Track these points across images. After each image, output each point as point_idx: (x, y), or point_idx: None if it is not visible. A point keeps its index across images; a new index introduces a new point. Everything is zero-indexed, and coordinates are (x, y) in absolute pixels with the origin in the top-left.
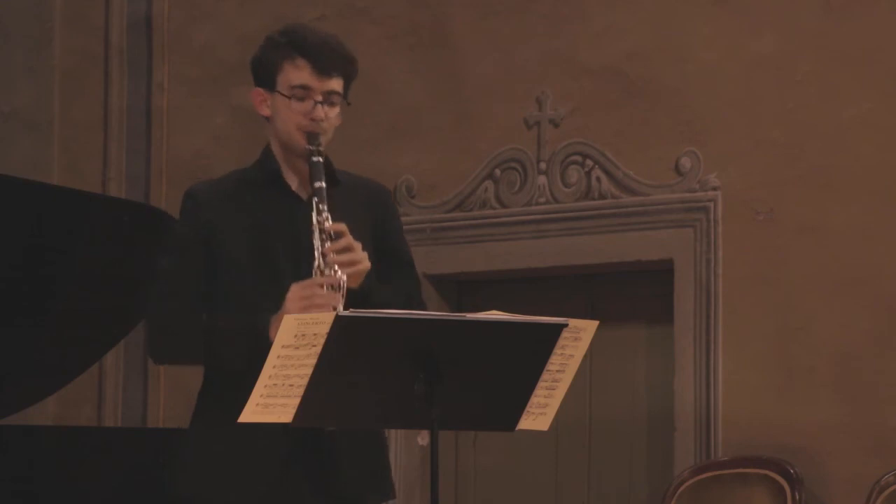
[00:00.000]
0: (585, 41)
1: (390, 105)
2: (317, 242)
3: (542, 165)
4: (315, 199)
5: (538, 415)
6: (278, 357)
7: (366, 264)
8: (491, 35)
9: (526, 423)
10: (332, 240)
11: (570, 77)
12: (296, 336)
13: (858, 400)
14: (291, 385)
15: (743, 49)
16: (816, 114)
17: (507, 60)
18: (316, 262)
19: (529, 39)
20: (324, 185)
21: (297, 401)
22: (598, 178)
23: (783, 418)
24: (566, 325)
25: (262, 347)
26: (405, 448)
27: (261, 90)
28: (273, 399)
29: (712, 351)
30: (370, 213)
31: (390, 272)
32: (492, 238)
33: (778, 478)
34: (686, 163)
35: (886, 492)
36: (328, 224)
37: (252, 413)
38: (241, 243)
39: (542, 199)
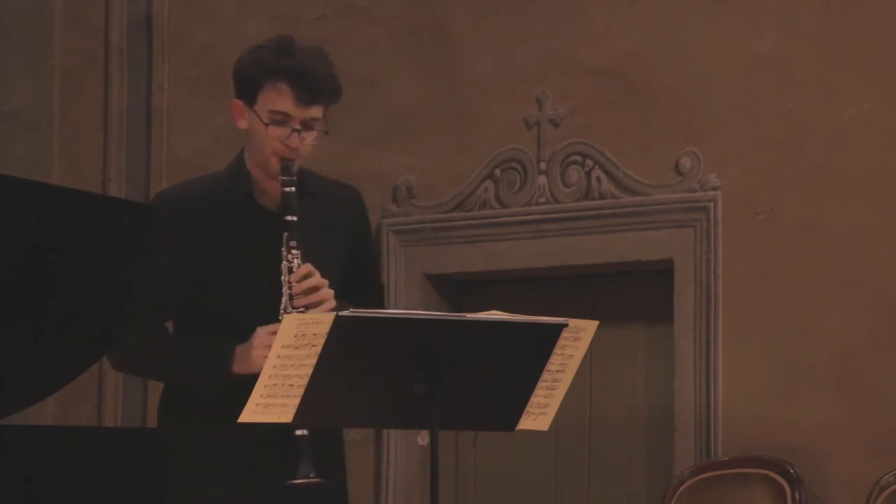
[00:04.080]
0: (585, 41)
1: (390, 105)
2: (285, 281)
3: (542, 165)
4: (285, 235)
5: (538, 415)
6: (278, 357)
7: (331, 303)
8: (491, 35)
9: (526, 423)
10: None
11: (570, 77)
12: (296, 336)
13: (858, 400)
14: (291, 385)
15: (743, 49)
16: (816, 114)
17: (507, 60)
18: (283, 301)
19: (529, 39)
20: (295, 218)
21: (297, 401)
22: (598, 178)
23: (783, 418)
24: (566, 325)
25: (223, 377)
26: (405, 448)
27: (240, 103)
28: (273, 399)
29: (712, 351)
30: (343, 224)
31: (357, 291)
32: (492, 238)
33: (778, 478)
34: (686, 163)
35: (886, 492)
36: (296, 263)
37: (252, 413)
38: (213, 258)
39: (542, 199)
